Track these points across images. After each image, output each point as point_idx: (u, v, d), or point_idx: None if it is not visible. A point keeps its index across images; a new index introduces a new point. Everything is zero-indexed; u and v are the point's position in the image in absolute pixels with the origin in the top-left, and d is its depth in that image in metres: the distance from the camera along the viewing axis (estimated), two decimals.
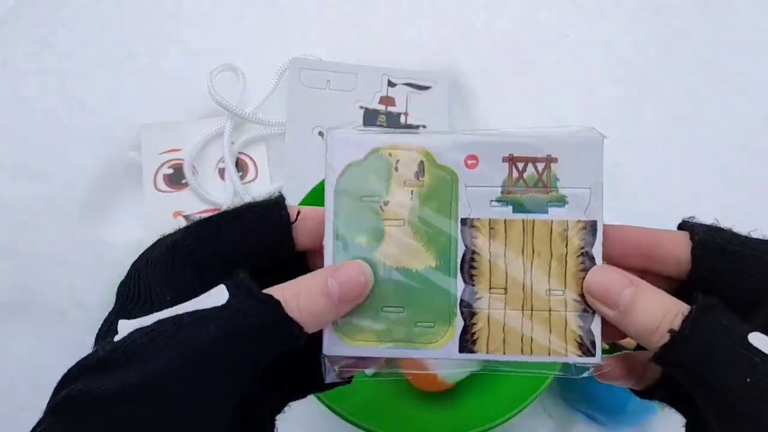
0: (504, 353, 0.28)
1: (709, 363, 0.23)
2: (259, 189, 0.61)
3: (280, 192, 0.27)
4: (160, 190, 0.61)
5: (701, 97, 0.65)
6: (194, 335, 0.22)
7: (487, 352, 0.28)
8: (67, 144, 0.63)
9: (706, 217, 0.61)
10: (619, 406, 0.49)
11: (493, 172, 0.29)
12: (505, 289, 0.28)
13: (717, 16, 0.68)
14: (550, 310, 0.28)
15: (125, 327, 0.23)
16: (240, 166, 0.62)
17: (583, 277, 0.28)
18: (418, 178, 0.29)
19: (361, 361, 0.28)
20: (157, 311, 0.24)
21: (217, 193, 0.61)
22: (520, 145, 0.29)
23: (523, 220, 0.29)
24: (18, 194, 0.60)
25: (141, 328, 0.23)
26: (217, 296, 0.23)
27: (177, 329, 0.22)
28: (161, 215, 0.59)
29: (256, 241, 0.26)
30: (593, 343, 0.28)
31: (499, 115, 0.64)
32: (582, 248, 0.28)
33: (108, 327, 0.24)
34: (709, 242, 0.26)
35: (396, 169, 0.29)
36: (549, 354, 0.28)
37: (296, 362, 0.27)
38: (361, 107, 0.63)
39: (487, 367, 0.30)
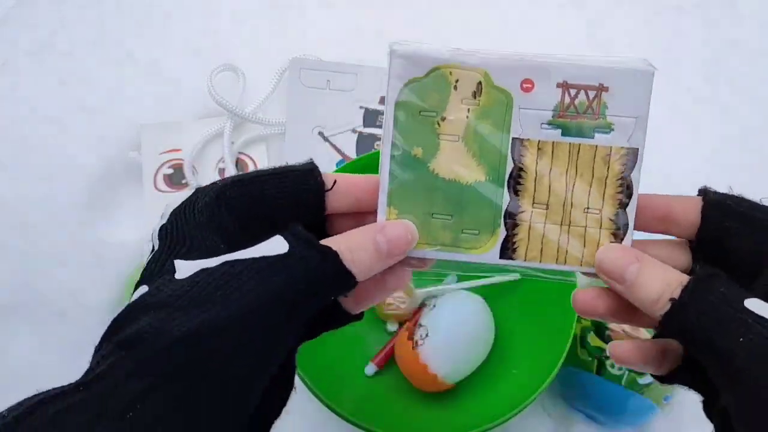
0: (540, 261, 0.31)
1: (706, 327, 0.24)
2: None
3: (311, 159, 0.29)
4: (160, 190, 0.61)
5: (701, 97, 0.65)
6: (267, 280, 0.24)
7: (525, 260, 0.31)
8: (67, 144, 0.63)
9: None
10: (619, 406, 0.49)
11: (546, 96, 0.31)
12: (547, 204, 0.31)
13: (717, 15, 0.68)
14: (586, 227, 0.31)
15: (186, 267, 0.24)
16: (240, 166, 0.62)
17: (620, 200, 0.31)
18: (475, 98, 0.31)
19: (413, 261, 0.30)
20: (214, 256, 0.25)
21: None
22: (574, 73, 0.31)
23: (569, 144, 0.31)
24: (18, 194, 0.60)
25: (207, 269, 0.24)
26: (278, 246, 0.25)
27: (249, 273, 0.24)
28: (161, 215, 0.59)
29: (293, 203, 0.28)
30: None
31: None
32: (622, 173, 0.31)
33: (160, 267, 0.25)
34: (719, 203, 0.28)
35: (455, 87, 0.31)
36: (581, 265, 0.31)
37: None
38: (362, 107, 0.63)
39: (523, 272, 0.32)
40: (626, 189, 0.31)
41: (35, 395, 0.22)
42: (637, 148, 0.31)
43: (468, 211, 0.31)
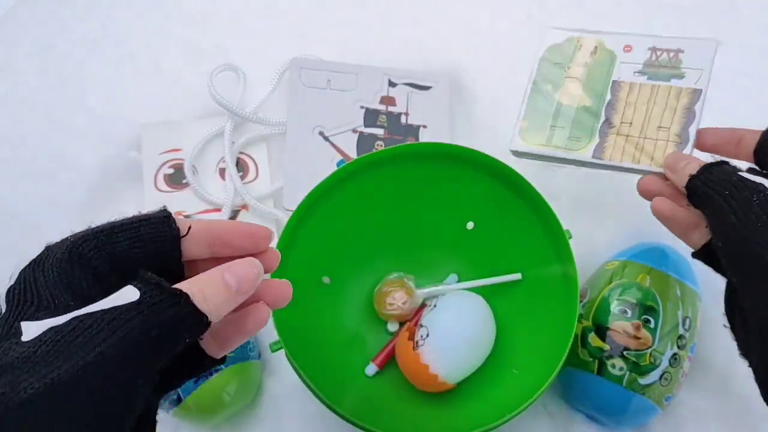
0: (621, 161, 0.47)
1: (707, 188, 0.38)
2: (259, 189, 0.61)
3: (164, 206, 0.30)
4: (160, 190, 0.61)
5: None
6: (118, 329, 0.23)
7: (610, 159, 0.48)
8: (68, 144, 0.63)
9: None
10: (620, 407, 0.49)
11: (639, 55, 0.50)
12: (631, 123, 0.48)
13: (717, 15, 0.68)
14: (657, 139, 0.47)
15: (32, 328, 0.24)
16: (240, 166, 0.62)
17: (684, 123, 0.47)
18: (591, 56, 0.51)
19: (534, 156, 0.48)
20: (63, 314, 0.24)
21: (217, 193, 0.61)
22: (661, 43, 0.50)
23: (652, 85, 0.49)
24: (18, 194, 0.60)
25: (54, 327, 0.24)
26: (129, 294, 0.25)
27: (100, 325, 0.23)
28: None
29: (149, 252, 0.28)
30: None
31: (500, 115, 0.64)
32: (688, 105, 0.47)
33: (7, 330, 0.25)
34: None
35: (579, 48, 0.52)
36: (651, 164, 0.46)
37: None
38: (362, 107, 0.63)
39: (608, 166, 0.48)
40: (691, 116, 0.47)
41: None
42: (701, 89, 0.47)
43: (576, 124, 0.49)
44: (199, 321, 0.26)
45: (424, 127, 0.63)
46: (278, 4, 0.70)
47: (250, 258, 0.29)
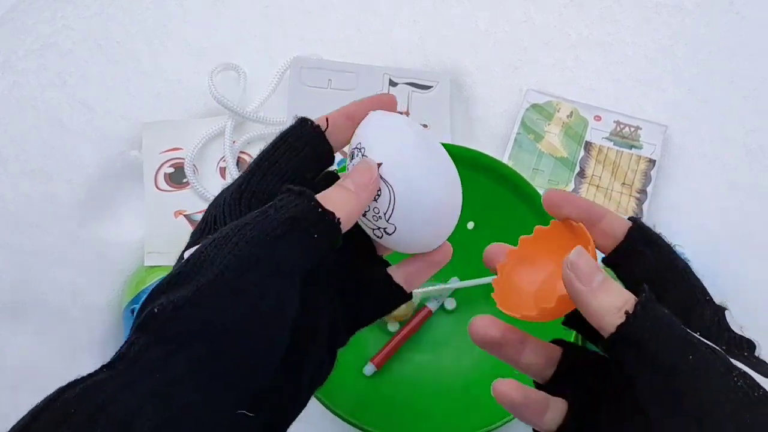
0: (593, 201, 0.49)
1: (655, 341, 0.26)
2: None
3: (295, 115, 0.32)
4: (161, 189, 0.61)
5: (702, 96, 0.65)
6: (242, 236, 0.25)
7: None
8: (68, 143, 0.63)
9: (705, 218, 0.60)
10: None
11: (607, 125, 0.62)
12: (600, 176, 0.60)
13: (717, 15, 0.68)
14: (621, 192, 0.60)
15: (189, 253, 0.26)
16: (241, 165, 0.62)
17: (643, 183, 0.59)
18: (568, 118, 0.62)
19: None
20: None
21: (217, 192, 0.61)
22: (623, 119, 0.62)
23: (617, 150, 0.61)
24: (19, 193, 0.60)
25: (201, 245, 0.26)
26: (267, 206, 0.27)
27: (228, 236, 0.25)
28: (162, 214, 0.59)
29: (305, 158, 0.30)
30: (639, 214, 0.58)
31: (500, 115, 0.64)
32: (645, 171, 0.60)
33: (178, 260, 0.27)
34: (643, 228, 0.31)
35: (558, 110, 0.63)
36: (616, 211, 0.53)
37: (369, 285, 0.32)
38: None
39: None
40: (648, 179, 0.60)
41: (68, 383, 0.24)
42: (656, 159, 0.61)
43: (555, 171, 0.61)
44: (323, 217, 0.27)
45: (425, 126, 0.63)
46: (279, 3, 0.70)
47: (364, 160, 0.30)
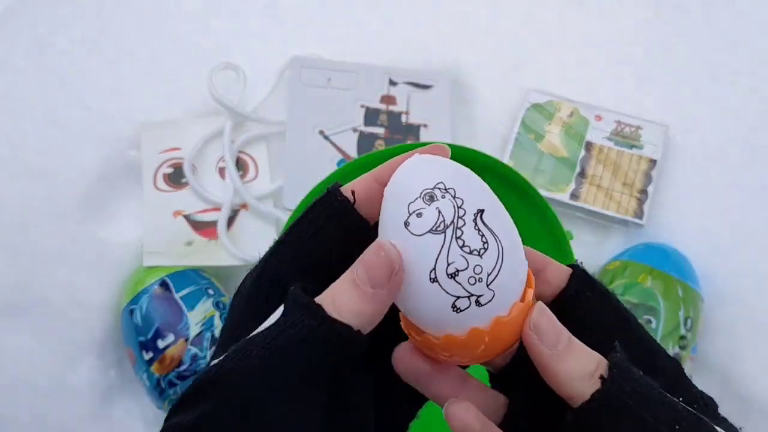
0: (593, 204, 0.58)
1: (641, 408, 0.23)
2: (259, 188, 0.61)
3: (337, 183, 0.27)
4: (159, 189, 0.60)
5: (703, 96, 0.65)
6: (251, 359, 0.23)
7: (584, 203, 0.59)
8: (67, 143, 0.62)
9: (706, 218, 0.60)
10: None
11: (608, 125, 0.62)
12: (601, 176, 0.59)
13: (718, 15, 0.68)
14: (622, 192, 0.59)
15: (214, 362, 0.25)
16: (240, 165, 0.62)
17: (644, 183, 0.59)
18: (568, 118, 0.63)
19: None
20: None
21: (217, 192, 0.60)
22: (624, 118, 0.62)
23: (617, 150, 0.61)
24: (17, 193, 0.60)
25: (215, 363, 0.24)
26: (276, 315, 0.24)
27: (239, 357, 0.23)
28: (161, 214, 0.59)
29: (331, 233, 0.26)
30: (640, 214, 0.58)
31: (500, 115, 0.64)
32: (646, 171, 0.60)
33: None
34: (587, 277, 0.28)
35: (558, 110, 0.63)
36: (617, 211, 0.58)
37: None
38: (362, 106, 0.63)
39: (582, 209, 0.59)
40: (649, 179, 0.60)
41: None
42: (656, 159, 0.61)
43: (556, 171, 0.60)
44: (335, 333, 0.23)
45: (425, 126, 0.63)
46: (278, 2, 0.70)
47: (378, 242, 0.24)
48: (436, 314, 0.24)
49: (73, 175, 0.61)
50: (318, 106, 0.62)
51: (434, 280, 0.24)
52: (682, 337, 0.49)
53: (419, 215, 0.24)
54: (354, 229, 0.26)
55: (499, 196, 0.54)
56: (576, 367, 0.24)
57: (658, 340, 0.48)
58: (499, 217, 0.25)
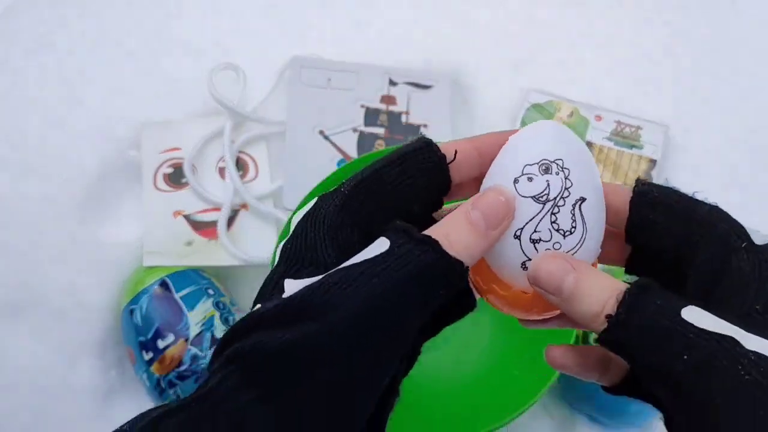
0: None
1: (646, 344, 0.23)
2: (259, 188, 0.61)
3: (421, 134, 0.28)
4: (159, 189, 0.60)
5: (703, 96, 0.65)
6: (362, 287, 0.22)
7: None
8: (67, 142, 0.62)
9: None
10: (621, 407, 0.49)
11: (608, 125, 0.62)
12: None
13: (719, 14, 0.68)
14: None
15: (293, 286, 0.24)
16: (240, 165, 0.62)
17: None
18: (568, 118, 0.62)
19: None
20: (324, 272, 0.24)
21: (217, 192, 0.60)
22: (624, 118, 0.62)
23: (617, 150, 0.61)
24: (17, 193, 0.60)
25: (311, 285, 0.23)
26: (380, 247, 0.24)
27: (346, 283, 0.23)
28: (161, 214, 0.59)
29: (420, 188, 0.26)
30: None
31: (500, 115, 0.64)
32: (646, 171, 0.60)
33: (274, 285, 0.25)
34: (646, 193, 0.27)
35: (558, 110, 0.63)
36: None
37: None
38: (362, 106, 0.63)
39: None
40: (649, 178, 0.57)
41: (155, 408, 0.23)
42: (656, 159, 0.61)
43: None
44: (451, 268, 0.23)
45: (425, 126, 0.63)
46: (278, 2, 0.70)
47: (497, 187, 0.26)
48: (509, 269, 0.27)
49: (73, 175, 0.61)
50: (318, 106, 0.62)
51: (517, 237, 0.26)
52: None
53: (530, 179, 0.26)
54: (443, 187, 0.27)
55: None
56: (583, 309, 0.24)
57: None
58: (596, 210, 0.26)
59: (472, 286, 0.28)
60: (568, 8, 0.69)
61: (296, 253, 0.26)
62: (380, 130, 0.62)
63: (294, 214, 0.46)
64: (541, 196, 0.26)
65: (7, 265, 0.57)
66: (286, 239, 0.27)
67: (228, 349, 0.23)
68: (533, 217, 0.26)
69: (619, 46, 0.67)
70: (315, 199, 0.27)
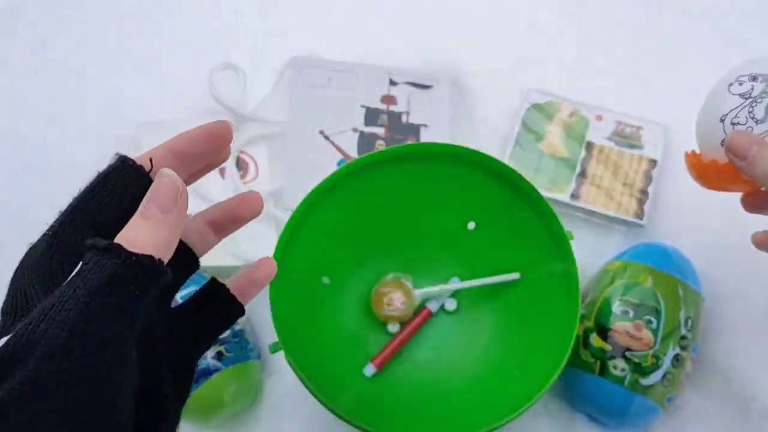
0: (593, 204, 0.58)
1: None
2: (259, 188, 0.61)
3: (116, 153, 0.28)
4: None
5: (703, 96, 0.65)
6: (63, 309, 0.22)
7: (584, 203, 0.59)
8: (67, 143, 0.62)
9: (706, 219, 0.60)
10: (622, 408, 0.49)
11: (608, 125, 0.62)
12: (602, 176, 0.60)
13: (718, 15, 0.68)
14: (622, 193, 0.59)
15: (5, 338, 0.23)
16: (240, 165, 0.62)
17: (644, 183, 0.59)
18: (569, 118, 0.62)
19: None
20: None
21: (217, 192, 0.60)
22: (624, 118, 0.62)
23: (618, 150, 0.61)
24: (17, 193, 0.60)
25: (17, 331, 0.22)
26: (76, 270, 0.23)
27: (51, 309, 0.22)
28: None
29: (126, 204, 0.26)
30: (641, 215, 0.58)
31: (501, 115, 0.64)
32: (647, 171, 0.60)
33: None
34: None
35: (559, 110, 0.63)
36: (617, 211, 0.58)
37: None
38: (363, 106, 0.63)
39: (582, 209, 0.59)
40: (649, 179, 0.59)
41: None
42: (656, 159, 0.61)
43: (556, 171, 0.60)
44: (140, 264, 0.23)
45: (425, 126, 0.63)
46: (279, 3, 0.70)
47: (160, 171, 0.26)
48: (712, 144, 0.41)
49: (73, 176, 0.60)
50: (318, 106, 0.62)
51: (722, 120, 0.40)
52: (683, 337, 0.49)
53: (740, 83, 0.41)
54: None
55: (499, 196, 0.54)
56: (759, 171, 0.35)
57: (658, 340, 0.48)
58: None
59: (688, 165, 0.44)
60: (569, 8, 0.69)
61: (14, 309, 0.25)
62: (380, 130, 0.62)
63: (292, 215, 0.46)
64: (746, 95, 0.40)
65: (7, 265, 0.57)
66: (4, 301, 0.26)
67: None
68: (736, 108, 0.40)
69: (619, 46, 0.67)
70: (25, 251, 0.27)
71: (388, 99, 0.63)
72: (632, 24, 0.68)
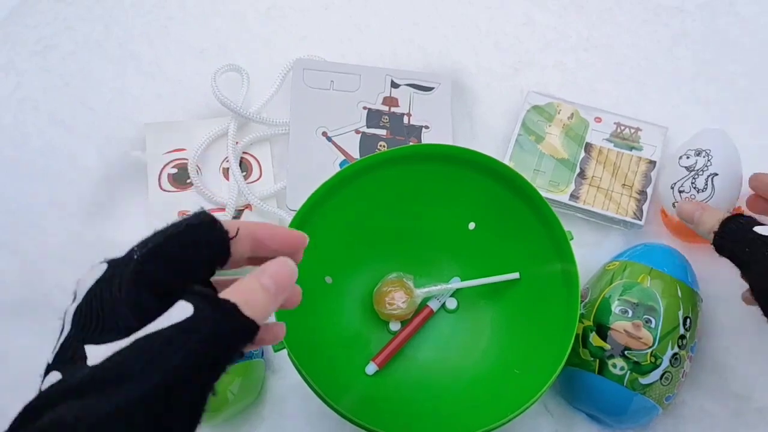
0: (592, 205, 0.59)
1: (731, 248, 0.43)
2: (263, 189, 0.61)
3: (202, 208, 0.31)
4: (164, 190, 0.61)
5: (702, 98, 0.65)
6: (178, 352, 0.24)
7: (584, 203, 0.59)
8: (72, 144, 0.63)
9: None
10: (621, 407, 0.49)
11: (607, 127, 0.62)
12: (601, 177, 0.60)
13: (718, 16, 0.68)
14: (622, 193, 0.60)
15: (97, 352, 0.25)
16: (244, 166, 0.62)
17: (643, 184, 0.60)
18: (569, 120, 0.63)
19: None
20: (126, 337, 0.25)
21: (221, 193, 0.61)
22: (624, 120, 0.63)
23: (617, 151, 0.61)
24: (22, 194, 0.61)
25: (120, 351, 0.24)
26: (183, 311, 0.25)
27: (159, 347, 0.24)
28: (165, 215, 0.60)
29: (204, 258, 0.29)
30: (639, 215, 0.59)
31: (501, 116, 0.65)
32: (645, 172, 0.60)
33: (73, 352, 0.26)
34: (726, 233, 0.44)
35: (558, 112, 0.63)
36: (616, 212, 0.59)
37: None
38: (365, 108, 0.63)
39: (582, 209, 0.59)
40: (648, 180, 0.60)
41: None
42: (656, 161, 0.61)
43: (556, 172, 0.61)
44: (248, 329, 0.26)
45: (427, 127, 0.63)
46: (281, 5, 0.70)
47: (282, 258, 0.29)
48: (669, 206, 0.53)
49: (77, 176, 0.61)
50: (321, 107, 0.63)
51: (672, 188, 0.52)
52: (682, 337, 0.50)
53: (687, 157, 0.52)
54: (222, 259, 0.30)
55: (499, 197, 0.55)
56: (705, 228, 0.45)
57: (657, 339, 0.49)
58: (727, 182, 0.51)
59: (664, 223, 0.56)
60: (568, 10, 0.70)
61: (92, 318, 0.27)
62: (382, 132, 0.63)
63: (295, 216, 0.46)
64: (690, 168, 0.52)
65: (12, 265, 0.58)
66: (77, 304, 0.28)
67: (36, 422, 0.23)
68: (682, 178, 0.52)
69: (618, 48, 0.68)
70: (105, 266, 0.29)
71: (390, 101, 0.64)
72: (631, 26, 0.69)
